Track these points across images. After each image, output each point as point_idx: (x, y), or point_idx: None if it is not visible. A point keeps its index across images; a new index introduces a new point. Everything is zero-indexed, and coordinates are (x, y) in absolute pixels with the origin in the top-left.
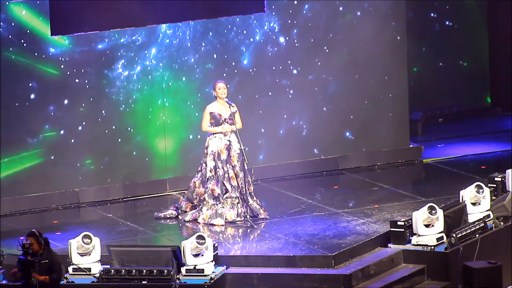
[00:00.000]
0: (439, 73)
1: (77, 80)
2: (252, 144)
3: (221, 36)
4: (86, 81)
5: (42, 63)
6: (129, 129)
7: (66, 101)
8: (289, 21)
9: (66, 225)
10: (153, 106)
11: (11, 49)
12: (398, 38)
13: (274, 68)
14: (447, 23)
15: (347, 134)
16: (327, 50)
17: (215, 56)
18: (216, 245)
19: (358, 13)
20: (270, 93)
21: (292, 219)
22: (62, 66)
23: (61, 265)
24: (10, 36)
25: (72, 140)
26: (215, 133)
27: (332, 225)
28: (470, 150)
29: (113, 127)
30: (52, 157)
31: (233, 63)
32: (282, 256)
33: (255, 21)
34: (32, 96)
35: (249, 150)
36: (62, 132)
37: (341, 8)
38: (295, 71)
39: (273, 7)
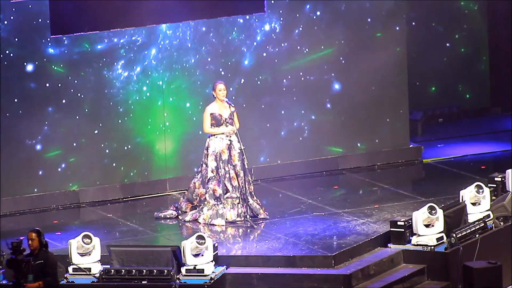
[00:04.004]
0: (440, 73)
1: (76, 81)
2: (252, 145)
3: (222, 36)
4: (86, 82)
5: (41, 63)
6: (129, 129)
7: (65, 102)
8: (290, 21)
9: (66, 225)
10: (153, 106)
11: (10, 49)
12: (399, 38)
13: (275, 68)
14: (447, 23)
15: (348, 134)
16: (328, 51)
17: (216, 58)
18: (216, 245)
19: (359, 13)
20: (271, 94)
21: (292, 219)
22: (61, 66)
23: (57, 266)
24: (9, 36)
25: (72, 140)
26: (216, 134)
27: (332, 225)
28: (470, 150)
29: (113, 127)
30: (52, 157)
31: (234, 64)
32: (282, 256)
33: (256, 22)
34: (32, 96)
35: (250, 150)
36: (61, 132)
37: (342, 8)
38: (296, 72)
39: (273, 7)
